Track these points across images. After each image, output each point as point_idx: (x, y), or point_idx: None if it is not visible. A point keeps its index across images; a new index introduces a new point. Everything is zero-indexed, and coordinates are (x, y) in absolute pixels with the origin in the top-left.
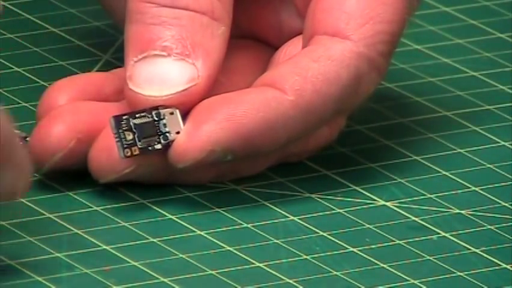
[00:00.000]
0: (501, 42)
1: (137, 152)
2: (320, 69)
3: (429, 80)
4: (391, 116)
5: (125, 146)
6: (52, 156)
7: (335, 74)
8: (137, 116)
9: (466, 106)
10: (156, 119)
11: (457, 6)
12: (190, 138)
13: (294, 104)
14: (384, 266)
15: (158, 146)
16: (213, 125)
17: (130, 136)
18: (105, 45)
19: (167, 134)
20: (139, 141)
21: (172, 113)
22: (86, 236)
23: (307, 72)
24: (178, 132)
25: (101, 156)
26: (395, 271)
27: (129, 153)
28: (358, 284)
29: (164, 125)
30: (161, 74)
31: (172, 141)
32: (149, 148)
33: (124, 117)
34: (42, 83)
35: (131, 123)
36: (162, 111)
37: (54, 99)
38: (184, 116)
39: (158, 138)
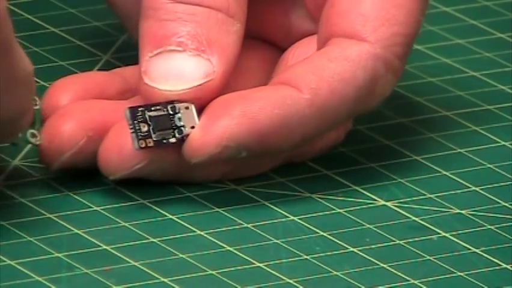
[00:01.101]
0: (501, 42)
1: (151, 144)
2: (336, 69)
3: (429, 80)
4: (391, 116)
5: (140, 137)
6: (62, 154)
7: (351, 74)
8: (152, 108)
9: (466, 106)
10: (171, 112)
11: (457, 6)
12: (205, 133)
13: (309, 103)
14: (384, 266)
15: (173, 140)
16: (228, 120)
17: (145, 128)
18: (105, 45)
19: (182, 128)
20: (154, 133)
21: (187, 108)
22: (86, 236)
23: (324, 72)
24: (193, 127)
25: (112, 152)
26: (395, 271)
27: (143, 145)
28: (358, 284)
29: (179, 119)
30: (176, 68)
31: (187, 135)
32: (164, 141)
33: (139, 109)
34: (43, 83)
35: (147, 115)
36: (177, 105)
37: (57, 99)
38: (200, 111)
39: (173, 131)
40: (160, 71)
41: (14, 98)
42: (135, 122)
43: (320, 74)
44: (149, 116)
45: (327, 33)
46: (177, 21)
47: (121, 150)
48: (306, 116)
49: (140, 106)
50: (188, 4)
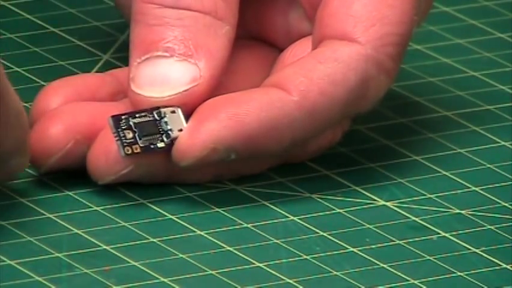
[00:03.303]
0: (501, 42)
1: (138, 150)
2: (326, 70)
3: (429, 80)
4: (391, 116)
5: (125, 144)
6: (50, 157)
7: (342, 76)
8: (137, 115)
9: (466, 106)
10: (157, 118)
11: (457, 6)
12: (193, 136)
13: (298, 105)
14: (384, 266)
15: (161, 144)
16: (215, 123)
17: (129, 135)
18: (105, 45)
19: (170, 132)
20: (140, 139)
21: (173, 112)
22: (86, 236)
23: (313, 74)
24: (180, 130)
25: (99, 158)
26: (395, 271)
27: (130, 151)
28: (358, 284)
29: (166, 123)
30: (163, 74)
31: (175, 138)
32: (152, 146)
33: (123, 117)
34: (42, 83)
35: (131, 123)
36: (163, 110)
37: (48, 102)
38: (188, 116)
39: (161, 136)
40: (146, 77)
41: (6, 137)
42: (119, 130)
43: (309, 76)
44: (134, 123)
45: (319, 35)
46: (165, 26)
47: (108, 155)
48: (295, 119)
49: (124, 114)
50: (175, 9)
